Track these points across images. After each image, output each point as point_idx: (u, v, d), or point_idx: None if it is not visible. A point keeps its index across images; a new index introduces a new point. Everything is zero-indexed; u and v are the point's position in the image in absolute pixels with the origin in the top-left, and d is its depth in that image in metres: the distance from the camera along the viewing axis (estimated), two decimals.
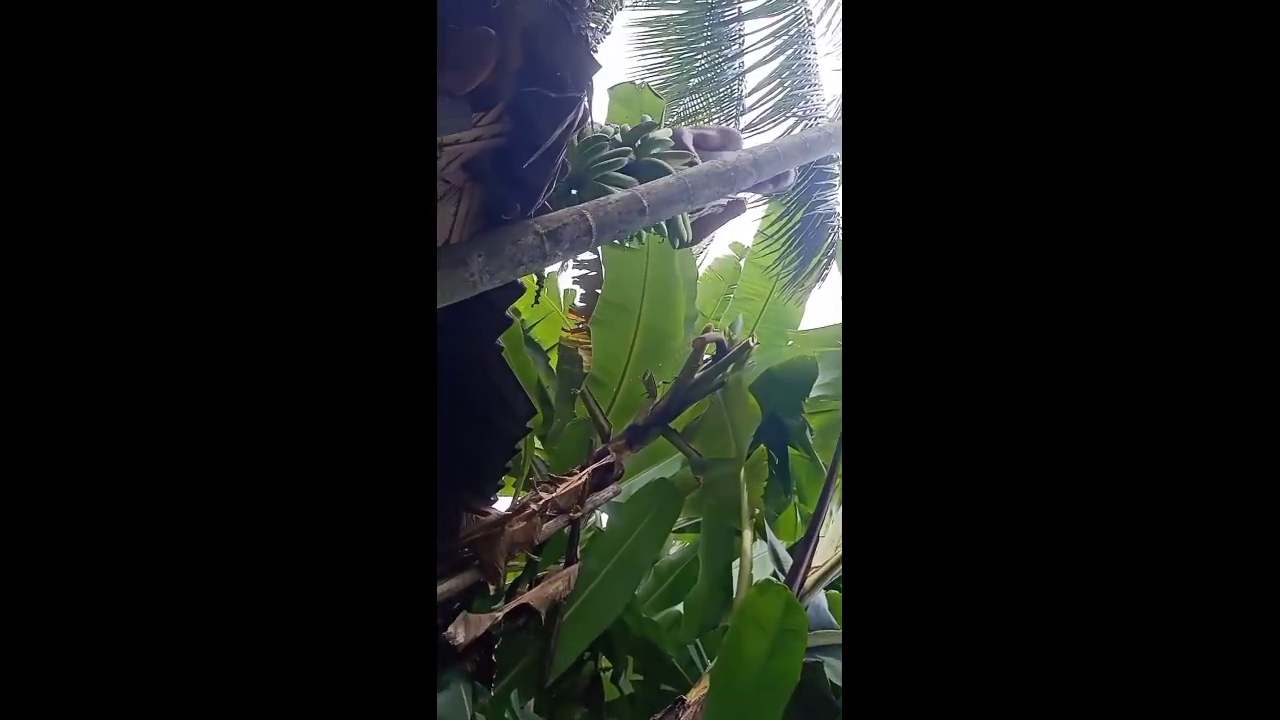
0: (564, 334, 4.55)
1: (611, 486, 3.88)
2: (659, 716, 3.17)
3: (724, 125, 4.41)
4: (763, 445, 4.08)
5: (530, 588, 3.55)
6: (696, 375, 4.14)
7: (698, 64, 4.73)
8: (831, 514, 3.81)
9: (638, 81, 4.44)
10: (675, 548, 4.80)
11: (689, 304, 4.60)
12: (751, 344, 4.26)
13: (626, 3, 4.47)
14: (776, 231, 4.78)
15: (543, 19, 1.98)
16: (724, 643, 3.17)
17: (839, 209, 4.57)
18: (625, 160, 2.72)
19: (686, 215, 2.96)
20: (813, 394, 4.22)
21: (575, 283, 4.54)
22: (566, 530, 3.67)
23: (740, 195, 3.20)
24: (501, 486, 3.49)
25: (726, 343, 4.30)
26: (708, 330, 4.44)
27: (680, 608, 4.16)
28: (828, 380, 4.25)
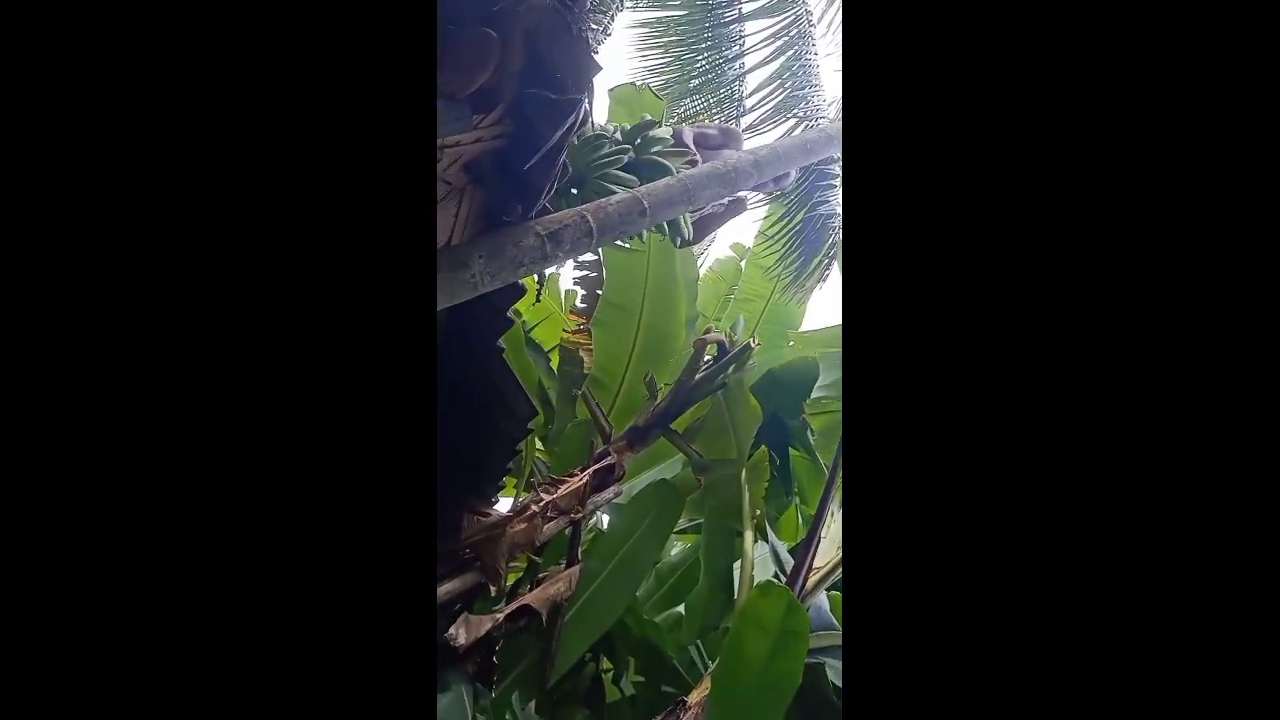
0: (565, 335, 4.55)
1: (612, 488, 3.88)
2: (660, 718, 3.17)
3: (724, 123, 4.40)
4: (764, 446, 4.08)
5: (531, 589, 3.55)
6: (697, 376, 4.14)
7: (698, 65, 4.73)
8: (833, 515, 3.81)
9: (638, 83, 4.45)
10: (676, 549, 4.80)
11: (690, 305, 4.60)
12: (753, 345, 4.26)
13: (627, 4, 4.47)
14: (777, 232, 4.77)
15: (543, 21, 1.98)
16: (725, 644, 3.17)
17: (840, 210, 4.57)
18: (625, 158, 2.72)
19: (687, 214, 2.96)
20: (814, 395, 4.22)
21: (576, 284, 4.54)
22: (568, 531, 3.67)
23: (741, 194, 3.20)
24: (503, 488, 3.49)
25: (727, 343, 4.29)
26: (709, 331, 4.44)
27: (681, 609, 4.16)
28: (829, 381, 4.25)
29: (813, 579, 3.59)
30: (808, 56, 4.63)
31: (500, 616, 3.29)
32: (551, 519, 3.50)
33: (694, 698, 3.18)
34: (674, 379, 4.19)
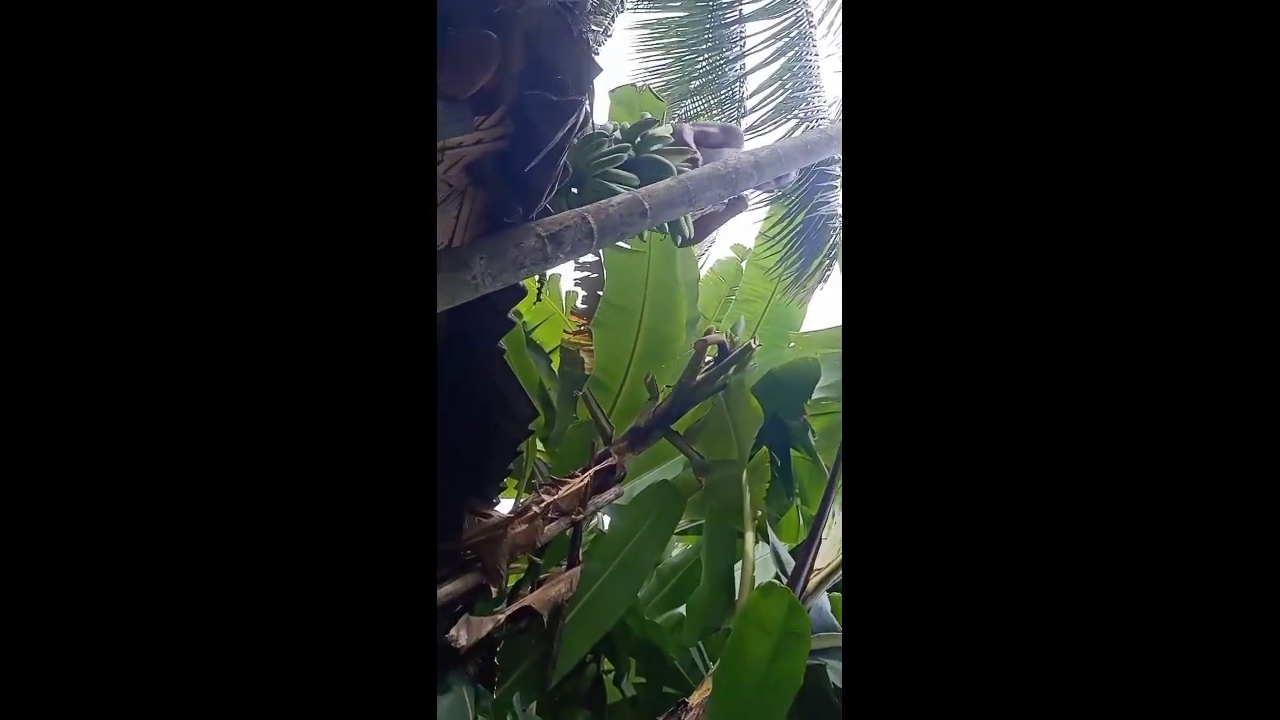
0: (566, 336, 4.55)
1: (613, 489, 3.87)
2: (662, 719, 3.16)
3: (725, 121, 4.40)
4: (765, 447, 4.08)
5: (532, 590, 3.55)
6: (698, 377, 4.13)
7: (699, 66, 4.73)
8: (834, 516, 3.81)
9: (639, 84, 4.45)
10: (677, 550, 4.79)
11: (690, 306, 4.60)
12: (753, 346, 4.26)
13: (628, 5, 4.48)
14: (778, 233, 4.78)
15: (544, 22, 1.98)
16: (727, 645, 3.17)
17: (840, 210, 4.57)
18: (625, 157, 2.72)
19: (688, 213, 2.96)
20: (815, 396, 4.21)
21: (577, 285, 4.54)
22: (569, 532, 3.67)
23: (742, 193, 3.19)
24: (503, 489, 3.49)
25: (728, 344, 4.29)
26: (709, 332, 4.44)
27: (683, 610, 4.16)
28: (830, 382, 4.24)
29: (814, 580, 3.59)
30: (808, 57, 4.64)
31: (501, 618, 3.29)
32: (552, 520, 3.50)
33: (695, 699, 3.18)
34: (675, 380, 4.19)
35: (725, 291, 5.52)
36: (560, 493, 3.57)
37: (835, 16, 4.49)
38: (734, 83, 4.77)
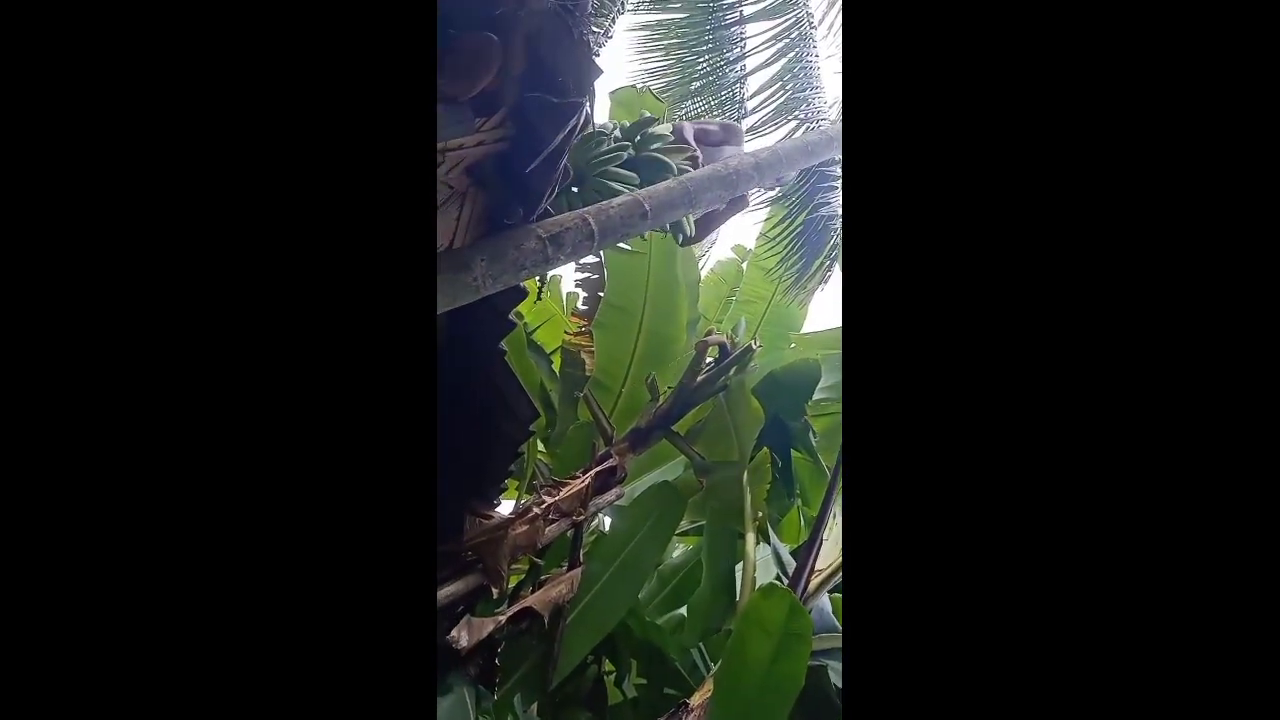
0: (566, 337, 4.55)
1: (614, 490, 3.88)
2: None
3: (725, 119, 4.40)
4: (766, 448, 4.07)
5: (533, 591, 3.55)
6: (699, 378, 4.13)
7: (699, 67, 4.74)
8: (835, 517, 3.80)
9: (639, 85, 4.45)
10: (678, 551, 4.79)
11: (691, 307, 4.60)
12: (754, 347, 4.26)
13: (628, 6, 4.49)
14: (779, 234, 4.78)
15: (545, 24, 1.99)
16: (728, 646, 3.16)
17: (841, 211, 4.57)
18: (625, 156, 2.72)
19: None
20: (815, 397, 4.21)
21: (578, 286, 4.55)
22: (569, 533, 3.67)
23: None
24: (504, 490, 3.49)
25: (729, 345, 4.29)
26: (710, 333, 4.44)
27: (684, 611, 4.15)
28: (830, 383, 4.24)
29: (815, 581, 3.58)
30: (809, 58, 4.64)
31: (502, 619, 3.29)
32: (553, 521, 3.50)
33: (696, 700, 3.18)
34: (675, 381, 4.19)
35: (726, 292, 5.53)
36: (561, 494, 3.57)
37: (835, 18, 4.49)
38: (734, 84, 4.77)
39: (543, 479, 4.15)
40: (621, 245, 3.89)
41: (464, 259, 2.08)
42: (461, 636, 3.12)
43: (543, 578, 3.72)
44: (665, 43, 4.72)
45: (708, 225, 3.32)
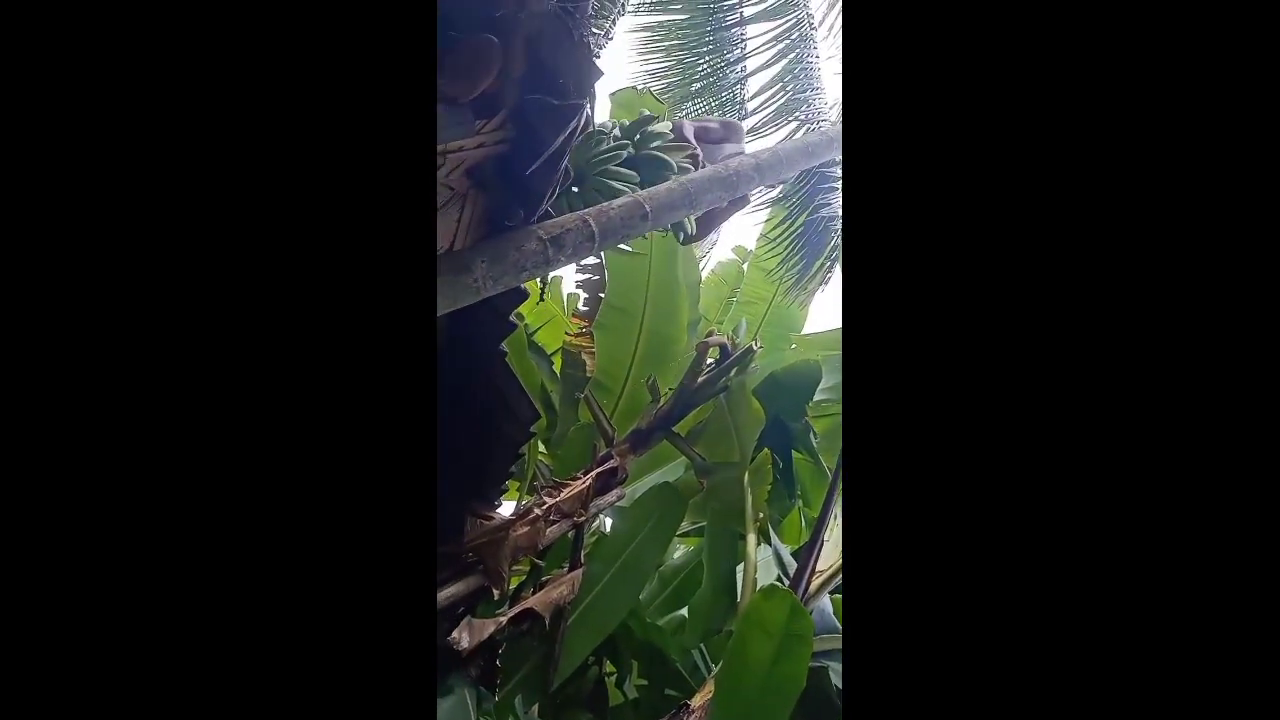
0: (567, 338, 4.55)
1: (615, 491, 3.88)
2: None
3: (725, 117, 4.39)
4: (766, 449, 4.07)
5: (534, 592, 3.55)
6: (700, 379, 4.13)
7: (700, 68, 4.74)
8: (836, 518, 3.80)
9: (639, 86, 4.46)
10: (679, 552, 4.79)
11: (692, 308, 4.60)
12: (755, 348, 4.26)
13: (629, 8, 4.49)
14: (779, 235, 4.78)
15: (545, 26, 1.99)
16: (729, 647, 3.16)
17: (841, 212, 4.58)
18: (625, 154, 2.71)
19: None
20: (816, 397, 4.21)
21: (578, 287, 4.55)
22: (570, 534, 3.67)
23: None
24: (505, 491, 3.49)
25: (730, 346, 4.29)
26: (711, 334, 4.44)
27: (684, 612, 4.15)
28: (831, 384, 4.24)
29: (816, 582, 3.58)
30: (809, 59, 4.65)
31: (503, 620, 3.29)
32: (554, 522, 3.50)
33: (697, 701, 3.18)
34: (676, 382, 4.19)
35: (726, 293, 5.53)
36: (562, 495, 3.57)
37: (836, 19, 4.50)
38: (735, 85, 4.78)
39: (543, 480, 4.15)
40: (622, 246, 3.89)
41: (464, 261, 2.08)
42: (462, 638, 3.12)
43: (544, 579, 3.72)
44: (666, 44, 4.73)
45: (709, 223, 3.32)
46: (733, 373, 4.19)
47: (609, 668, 4.05)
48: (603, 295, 4.38)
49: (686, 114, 4.67)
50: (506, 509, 3.62)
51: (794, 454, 4.27)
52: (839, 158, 3.92)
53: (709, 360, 4.24)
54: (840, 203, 4.57)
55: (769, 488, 4.03)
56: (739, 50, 4.74)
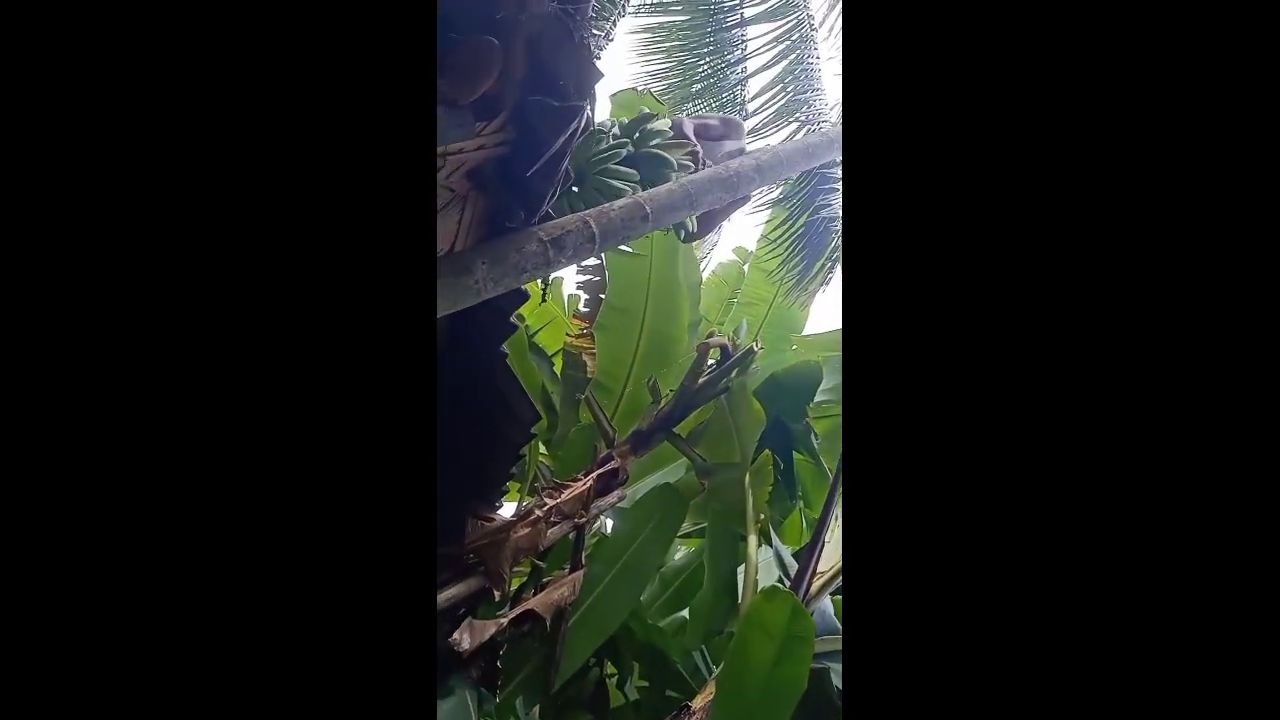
0: (568, 339, 4.55)
1: (616, 492, 3.87)
2: None
3: (726, 114, 4.39)
4: (767, 450, 4.08)
5: (535, 593, 3.55)
6: (700, 380, 4.13)
7: (700, 69, 4.75)
8: (837, 519, 3.80)
9: (640, 87, 4.46)
10: (680, 553, 4.79)
11: (692, 309, 4.60)
12: (755, 349, 4.25)
13: (629, 9, 4.50)
14: (780, 236, 4.78)
15: (545, 28, 1.99)
16: (730, 649, 3.16)
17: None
18: (624, 153, 2.71)
19: None
20: (817, 398, 4.21)
21: (579, 288, 4.55)
22: (571, 536, 3.67)
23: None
24: (506, 492, 3.49)
25: (730, 347, 4.29)
26: (711, 335, 4.44)
27: (686, 613, 4.15)
28: (832, 385, 4.24)
29: (817, 583, 3.58)
30: (809, 60, 4.65)
31: (504, 621, 3.29)
32: (555, 523, 3.50)
33: (698, 703, 3.18)
34: (677, 383, 4.19)
35: (727, 294, 5.53)
36: (563, 496, 3.57)
37: (836, 20, 4.50)
38: (735, 86, 4.78)
39: (544, 481, 4.15)
40: (623, 247, 3.89)
41: (465, 262, 2.08)
42: (463, 639, 3.12)
43: (544, 580, 3.72)
44: (666, 45, 4.73)
45: (711, 221, 3.31)
46: (734, 374, 4.18)
47: (610, 669, 4.04)
48: (603, 296, 4.38)
49: (688, 114, 4.67)
50: (507, 510, 3.62)
51: (795, 455, 4.26)
52: (839, 159, 3.92)
53: (710, 361, 4.24)
54: (840, 203, 4.57)
55: (770, 489, 4.03)
56: (739, 51, 4.74)
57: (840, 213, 4.57)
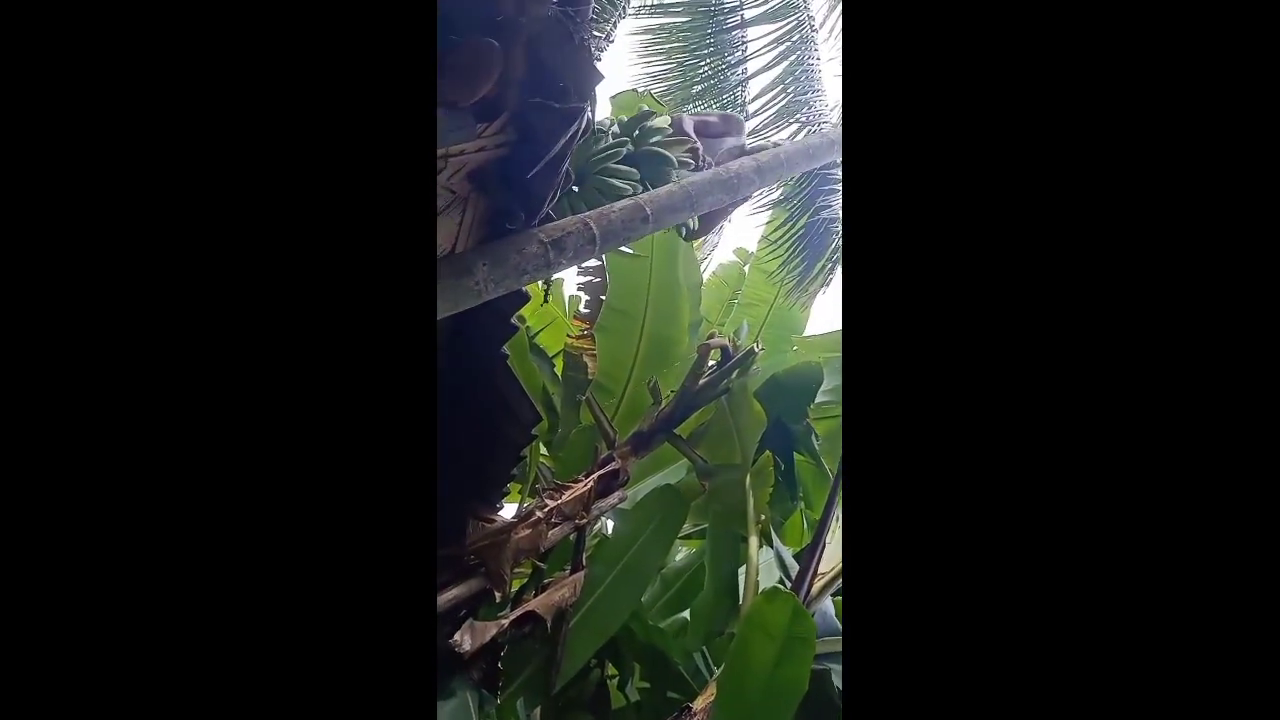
0: (569, 340, 4.55)
1: (617, 493, 3.88)
2: None
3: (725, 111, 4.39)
4: (768, 451, 4.08)
5: (536, 595, 3.55)
6: (701, 381, 4.14)
7: (701, 71, 4.75)
8: (838, 520, 3.80)
9: (640, 89, 4.47)
10: (681, 554, 4.79)
11: (693, 310, 4.61)
12: (756, 350, 4.26)
13: (629, 11, 4.50)
14: (780, 237, 4.79)
15: (546, 30, 1.99)
16: (731, 650, 3.16)
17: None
18: (624, 151, 2.71)
19: None
20: (818, 399, 4.21)
21: (580, 289, 4.56)
22: (572, 537, 3.67)
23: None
24: (507, 493, 3.49)
25: (731, 348, 4.29)
26: (712, 336, 4.44)
27: (687, 614, 4.15)
28: (833, 386, 4.24)
29: (818, 584, 3.58)
30: (810, 61, 4.65)
31: (505, 622, 3.29)
32: (556, 524, 3.50)
33: (699, 704, 3.18)
34: (678, 384, 4.19)
35: (728, 295, 5.53)
36: (564, 497, 3.58)
37: (837, 21, 4.50)
38: (736, 87, 4.78)
39: (545, 482, 4.15)
40: (623, 248, 3.90)
41: (466, 263, 2.08)
42: (464, 640, 3.12)
43: (545, 581, 3.72)
44: (666, 46, 4.73)
45: (712, 218, 3.31)
46: (734, 375, 4.19)
47: (611, 670, 4.04)
48: (604, 297, 4.38)
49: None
50: (508, 511, 3.62)
51: (796, 456, 4.26)
52: (840, 159, 3.92)
53: (710, 362, 4.24)
54: (841, 205, 4.57)
55: (771, 490, 4.03)
56: (740, 53, 4.75)
57: (840, 214, 4.58)
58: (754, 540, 3.73)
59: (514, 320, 2.65)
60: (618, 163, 2.66)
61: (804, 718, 3.03)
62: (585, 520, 3.65)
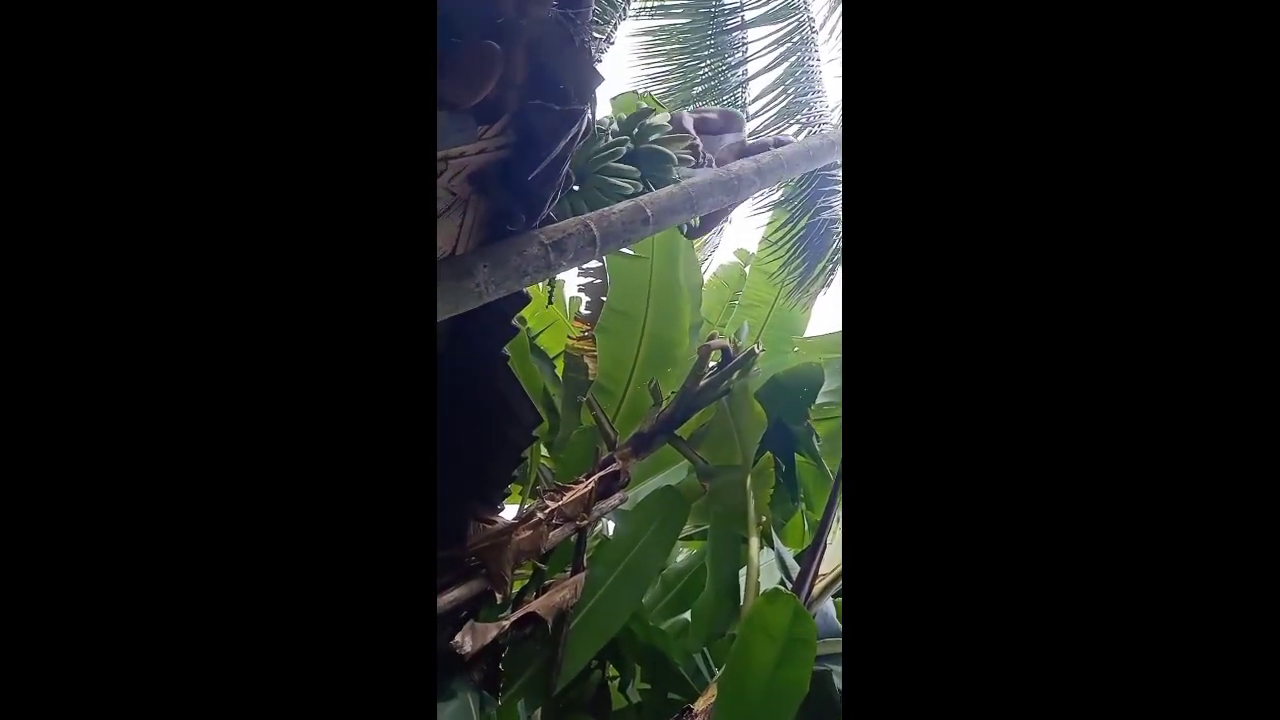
0: (569, 342, 4.56)
1: (618, 494, 3.87)
2: None
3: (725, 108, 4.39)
4: (769, 452, 4.07)
5: (537, 596, 3.55)
6: (702, 382, 4.13)
7: (701, 72, 4.76)
8: (839, 521, 3.80)
9: (640, 90, 4.47)
10: (682, 555, 4.79)
11: (694, 311, 4.61)
12: (757, 351, 4.26)
13: (630, 12, 4.51)
14: (781, 238, 4.79)
15: (546, 32, 1.99)
16: (732, 651, 3.16)
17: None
18: (624, 150, 2.71)
19: None
20: (819, 400, 4.21)
21: (580, 290, 4.56)
22: (573, 538, 3.67)
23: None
24: (508, 495, 3.49)
25: (732, 350, 4.29)
26: (713, 337, 4.44)
27: (688, 616, 4.15)
28: (834, 387, 4.24)
29: (819, 586, 3.58)
30: (810, 63, 4.66)
31: (506, 624, 3.28)
32: (557, 526, 3.50)
33: (700, 705, 3.17)
34: (678, 385, 4.19)
35: (728, 296, 5.53)
36: (564, 498, 3.57)
37: (837, 22, 4.51)
38: (736, 88, 4.79)
39: (546, 484, 4.15)
40: (624, 250, 3.90)
41: (466, 265, 2.09)
42: (465, 642, 3.11)
43: (546, 583, 3.72)
44: (667, 48, 4.74)
45: (713, 217, 3.31)
46: (735, 376, 4.18)
47: (612, 672, 4.04)
48: (604, 299, 4.38)
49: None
50: (509, 513, 3.62)
51: (797, 457, 4.26)
52: (840, 160, 3.92)
53: (711, 363, 4.24)
54: (841, 206, 4.57)
55: (772, 491, 4.03)
56: (740, 54, 4.76)
57: (841, 215, 4.58)
58: (755, 541, 3.73)
59: (515, 322, 2.65)
60: (618, 161, 2.66)
61: (805, 719, 3.03)
62: (586, 521, 3.64)
